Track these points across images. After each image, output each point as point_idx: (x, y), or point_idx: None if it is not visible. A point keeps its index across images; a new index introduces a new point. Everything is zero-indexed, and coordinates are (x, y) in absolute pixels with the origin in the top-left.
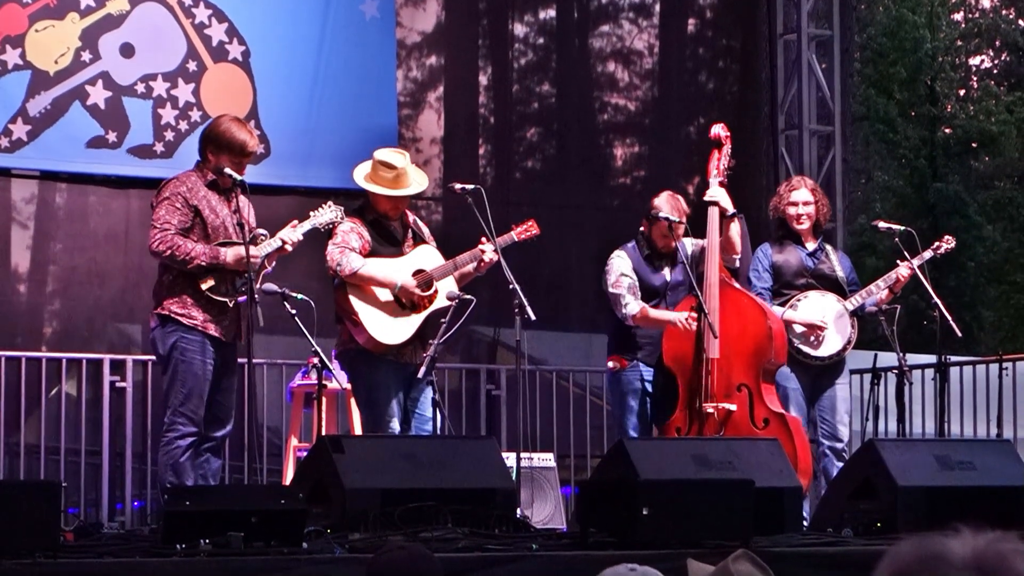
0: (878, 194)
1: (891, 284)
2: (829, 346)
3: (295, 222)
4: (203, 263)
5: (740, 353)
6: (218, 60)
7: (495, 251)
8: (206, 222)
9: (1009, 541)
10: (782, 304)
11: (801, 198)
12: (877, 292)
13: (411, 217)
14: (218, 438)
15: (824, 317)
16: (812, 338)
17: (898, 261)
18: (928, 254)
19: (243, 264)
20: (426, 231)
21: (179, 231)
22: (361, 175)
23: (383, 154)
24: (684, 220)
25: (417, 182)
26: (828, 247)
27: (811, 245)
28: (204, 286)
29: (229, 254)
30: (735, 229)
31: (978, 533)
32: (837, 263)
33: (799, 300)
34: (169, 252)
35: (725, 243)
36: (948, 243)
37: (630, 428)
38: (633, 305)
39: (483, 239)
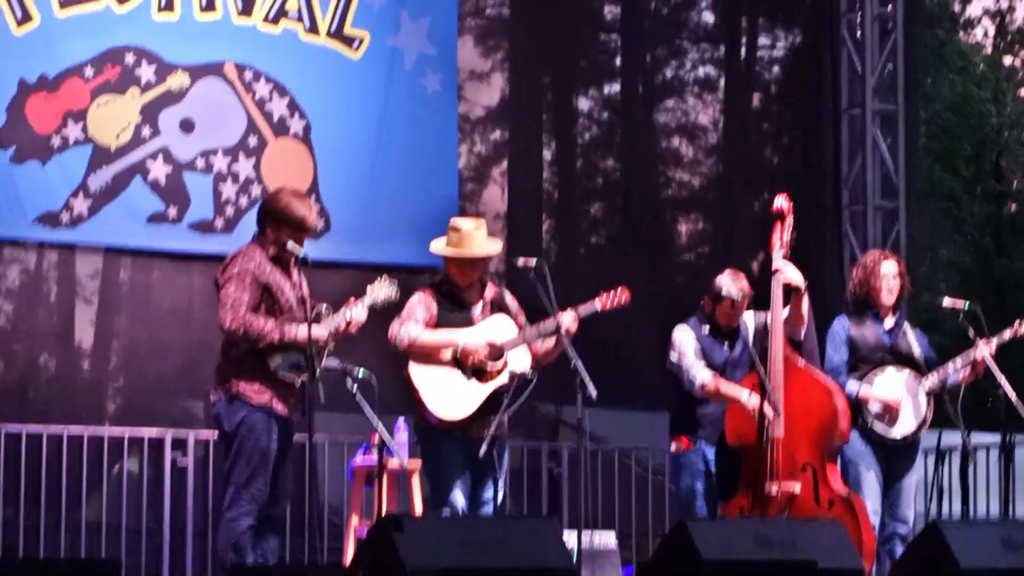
0: (943, 271)
1: (969, 363)
2: (904, 426)
3: (352, 299)
4: (274, 340)
5: (805, 432)
6: (279, 135)
7: (575, 319)
8: (275, 299)
9: None
10: (859, 379)
11: (891, 270)
12: (955, 372)
13: (494, 290)
14: (277, 516)
15: (900, 395)
16: (887, 416)
17: (978, 341)
18: (1008, 334)
19: (315, 343)
20: (512, 305)
21: (250, 308)
22: (436, 242)
23: (455, 220)
24: (747, 297)
25: (480, 244)
26: (906, 324)
27: (889, 321)
28: (272, 364)
29: (300, 332)
30: (805, 302)
31: None
32: (915, 341)
33: (875, 375)
34: (244, 331)
35: (793, 315)
36: None
37: (697, 511)
38: (704, 373)
39: (560, 312)
